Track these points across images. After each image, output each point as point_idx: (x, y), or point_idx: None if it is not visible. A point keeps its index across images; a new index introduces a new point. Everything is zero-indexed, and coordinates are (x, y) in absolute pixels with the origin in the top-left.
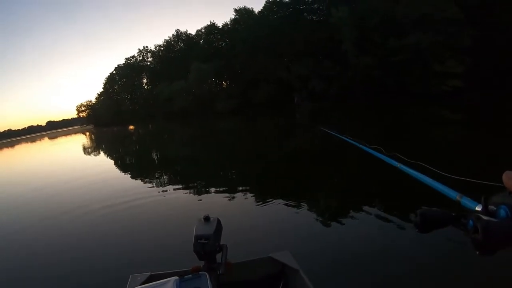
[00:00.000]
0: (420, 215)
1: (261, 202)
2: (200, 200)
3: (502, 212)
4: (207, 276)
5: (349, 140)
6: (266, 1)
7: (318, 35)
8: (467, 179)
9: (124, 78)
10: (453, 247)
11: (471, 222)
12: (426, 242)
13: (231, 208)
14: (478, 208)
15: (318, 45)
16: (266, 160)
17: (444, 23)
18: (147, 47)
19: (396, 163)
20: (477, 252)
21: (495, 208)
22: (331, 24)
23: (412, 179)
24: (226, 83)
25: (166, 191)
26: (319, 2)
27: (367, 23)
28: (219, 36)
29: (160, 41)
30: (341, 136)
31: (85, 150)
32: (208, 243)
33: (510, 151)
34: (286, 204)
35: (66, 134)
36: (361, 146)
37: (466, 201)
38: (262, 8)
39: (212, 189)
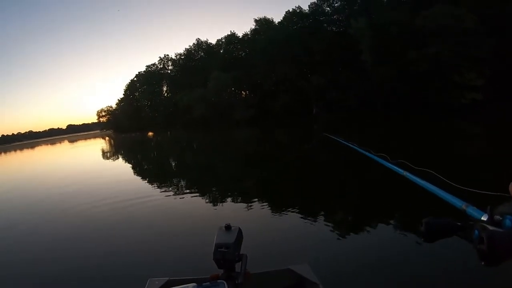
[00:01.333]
0: (425, 224)
1: (279, 213)
2: (220, 208)
3: (508, 223)
4: (226, 284)
5: (356, 148)
6: (286, 12)
7: (337, 45)
8: (474, 190)
9: (144, 85)
10: (465, 259)
11: (476, 232)
12: (438, 252)
13: (250, 217)
14: (484, 217)
15: (337, 55)
16: (283, 170)
17: (463, 34)
18: (167, 55)
19: (402, 170)
20: (482, 263)
21: (501, 218)
22: (350, 35)
23: (420, 189)
24: (245, 93)
25: (184, 197)
26: (339, 13)
27: (386, 34)
28: (239, 46)
29: (181, 50)
30: (347, 143)
31: (104, 154)
32: (228, 252)
33: None
34: (303, 215)
35: (86, 138)
36: (367, 153)
37: (472, 211)
38: (282, 18)
39: (231, 198)
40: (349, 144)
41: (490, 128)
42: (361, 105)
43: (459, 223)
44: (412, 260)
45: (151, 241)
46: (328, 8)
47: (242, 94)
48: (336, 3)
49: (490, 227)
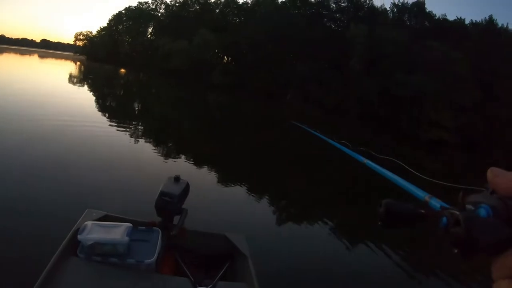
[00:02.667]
0: (385, 205)
1: (231, 181)
2: (172, 161)
3: (483, 212)
4: (160, 233)
5: (318, 134)
6: None
7: (330, 43)
8: (440, 182)
9: (130, 21)
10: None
11: (444, 219)
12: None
13: (201, 177)
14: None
15: (328, 53)
16: (244, 144)
17: (453, 76)
18: None
19: (363, 158)
20: (456, 251)
21: (473, 208)
22: (346, 38)
23: (380, 179)
24: (228, 59)
25: (139, 141)
26: (342, 13)
27: (381, 50)
28: (236, 12)
29: None
30: (310, 130)
31: (70, 78)
32: (171, 202)
33: None
34: (254, 191)
35: (57, 57)
36: (329, 140)
37: (436, 203)
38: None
39: (186, 155)
40: (313, 131)
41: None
42: (334, 107)
43: (423, 211)
44: (340, 252)
45: (97, 172)
46: (334, 5)
47: (225, 59)
48: (343, 3)
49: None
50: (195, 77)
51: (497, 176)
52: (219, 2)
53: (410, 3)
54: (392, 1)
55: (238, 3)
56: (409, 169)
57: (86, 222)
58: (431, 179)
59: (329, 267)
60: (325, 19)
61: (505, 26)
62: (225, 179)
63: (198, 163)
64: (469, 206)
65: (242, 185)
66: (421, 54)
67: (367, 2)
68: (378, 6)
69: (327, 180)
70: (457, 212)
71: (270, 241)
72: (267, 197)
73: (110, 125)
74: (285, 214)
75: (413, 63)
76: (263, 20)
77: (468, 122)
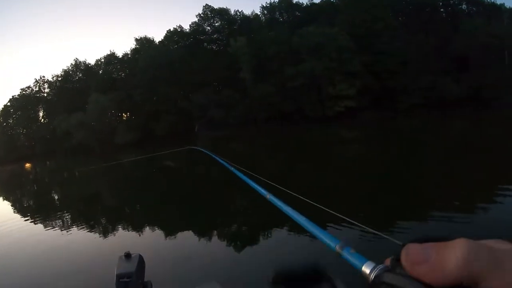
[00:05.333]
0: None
1: (177, 234)
2: (114, 237)
3: None
4: None
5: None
6: (167, 31)
7: (217, 64)
8: (354, 222)
9: (19, 111)
10: None
11: None
12: None
13: (149, 243)
14: (366, 268)
15: (218, 74)
16: (167, 193)
17: (336, 51)
18: (44, 77)
19: (265, 192)
20: None
21: None
22: (230, 54)
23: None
24: (127, 115)
25: (75, 231)
26: (219, 32)
27: (265, 52)
28: (118, 66)
29: (58, 71)
30: (214, 156)
31: None
32: (131, 281)
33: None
34: (200, 234)
35: None
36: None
37: (349, 255)
38: (163, 37)
39: (124, 226)
40: (217, 158)
41: (365, 132)
42: (243, 121)
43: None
44: None
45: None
46: (209, 28)
47: (124, 116)
48: (216, 23)
49: None
50: (101, 144)
51: (409, 260)
52: (100, 62)
53: (277, 1)
54: (260, 5)
55: (119, 57)
56: (320, 206)
57: None
58: (344, 217)
59: None
60: (205, 43)
61: None
62: (173, 232)
63: (141, 229)
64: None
65: (190, 231)
66: (302, 42)
67: (238, 14)
68: (249, 14)
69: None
70: None
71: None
72: (217, 235)
73: (37, 226)
74: (240, 246)
75: (297, 53)
76: (147, 67)
77: (365, 83)
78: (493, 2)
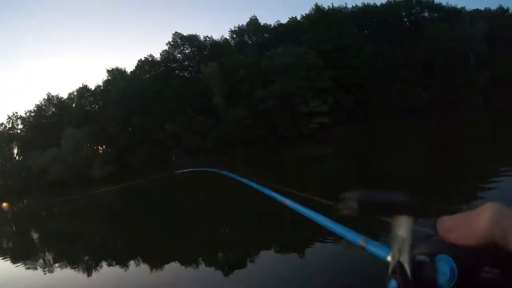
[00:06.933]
0: None
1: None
2: (99, 274)
3: (444, 267)
4: None
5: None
6: (138, 61)
7: (190, 91)
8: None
9: None
10: None
11: (393, 283)
12: None
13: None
14: (390, 257)
15: (191, 101)
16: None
17: (305, 69)
18: (16, 113)
19: (285, 200)
20: None
21: (427, 259)
22: (202, 80)
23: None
24: (102, 148)
25: (56, 271)
26: (190, 59)
27: (235, 77)
28: (91, 99)
29: (31, 107)
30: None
31: None
32: None
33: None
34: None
35: None
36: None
37: (374, 248)
38: (134, 68)
39: (109, 262)
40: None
41: (339, 146)
42: (219, 147)
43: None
44: None
45: None
46: (179, 55)
47: (99, 150)
48: (186, 50)
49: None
50: (78, 179)
51: (451, 231)
52: (72, 96)
53: (245, 24)
54: (229, 29)
55: (91, 89)
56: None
57: None
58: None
59: None
60: (177, 71)
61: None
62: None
63: (122, 264)
64: (421, 257)
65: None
66: (271, 63)
67: (208, 39)
68: (219, 39)
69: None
70: (410, 278)
71: None
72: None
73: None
74: None
75: (267, 74)
76: (119, 98)
77: (337, 98)
78: (454, 7)
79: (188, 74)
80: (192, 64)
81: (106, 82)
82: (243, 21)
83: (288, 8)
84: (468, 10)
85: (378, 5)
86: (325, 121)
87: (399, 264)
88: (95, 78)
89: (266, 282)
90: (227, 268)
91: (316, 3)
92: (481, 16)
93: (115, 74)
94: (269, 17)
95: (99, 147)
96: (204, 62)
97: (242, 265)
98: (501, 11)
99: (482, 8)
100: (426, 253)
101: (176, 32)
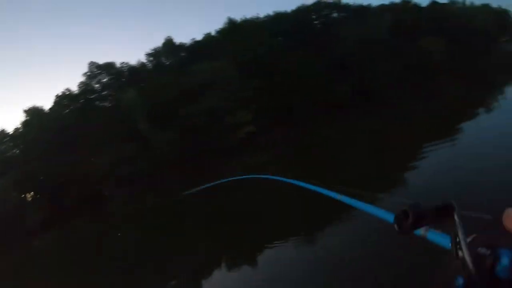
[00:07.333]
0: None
1: None
2: None
3: (505, 259)
4: None
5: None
6: (56, 96)
7: (114, 121)
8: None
9: None
10: None
11: (460, 280)
12: None
13: None
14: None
15: (116, 130)
16: None
17: (227, 82)
18: None
19: (336, 194)
20: None
21: (488, 252)
22: (124, 108)
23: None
24: (31, 195)
25: None
26: (109, 88)
27: (157, 99)
28: (11, 144)
29: None
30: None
31: None
32: None
33: None
34: None
35: None
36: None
37: (434, 236)
38: (53, 104)
39: None
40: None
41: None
42: (152, 172)
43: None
44: None
45: None
46: (97, 85)
47: (28, 196)
48: (104, 79)
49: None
50: (10, 230)
51: None
52: None
53: (161, 45)
54: (145, 53)
55: (10, 134)
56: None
57: None
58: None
59: None
60: (97, 102)
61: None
62: None
63: None
64: (483, 250)
65: None
66: (192, 81)
67: (124, 65)
68: (136, 64)
69: None
70: (474, 272)
71: None
72: None
73: None
74: None
75: (189, 92)
76: (40, 138)
77: (261, 106)
78: (361, 4)
79: (109, 104)
80: (111, 93)
81: (24, 123)
82: (158, 43)
83: (202, 24)
84: (375, 5)
85: (289, 11)
86: (252, 129)
87: (462, 259)
88: (13, 121)
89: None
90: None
91: (229, 16)
92: (387, 9)
93: (33, 114)
94: (184, 36)
95: (27, 194)
96: (123, 89)
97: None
98: (405, 2)
99: (387, 3)
100: (487, 245)
101: (91, 62)
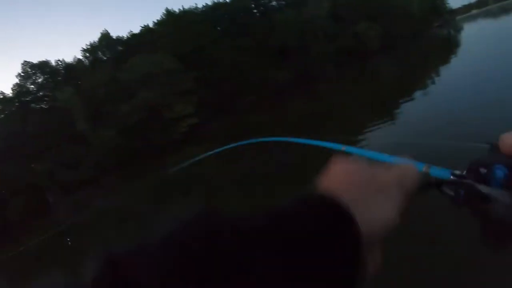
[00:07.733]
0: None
1: None
2: None
3: (499, 173)
4: None
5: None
6: None
7: (52, 123)
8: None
9: None
10: None
11: (462, 192)
12: None
13: None
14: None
15: (56, 133)
16: None
17: (165, 75)
18: None
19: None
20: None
21: (485, 170)
22: (60, 108)
23: None
24: None
25: None
26: (44, 89)
27: (95, 97)
28: None
29: None
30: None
31: None
32: None
33: None
34: None
35: None
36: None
37: (437, 171)
38: None
39: None
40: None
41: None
42: (97, 173)
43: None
44: None
45: None
46: (32, 86)
47: None
48: (39, 79)
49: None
50: None
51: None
52: None
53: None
54: (81, 48)
55: None
56: None
57: None
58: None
59: None
60: (32, 104)
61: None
62: None
63: None
64: (482, 170)
65: None
66: (129, 76)
67: (60, 63)
68: (72, 61)
69: None
70: (473, 184)
71: None
72: None
73: None
74: None
75: (128, 87)
76: None
77: (202, 97)
78: None
79: (45, 105)
80: (47, 93)
81: None
82: (95, 37)
83: (140, 16)
84: None
85: (228, 0)
86: (194, 121)
87: (463, 179)
88: None
89: None
90: None
91: (166, 7)
92: None
93: None
94: (122, 29)
95: None
96: (60, 88)
97: None
98: None
99: None
100: (485, 165)
101: (25, 61)
